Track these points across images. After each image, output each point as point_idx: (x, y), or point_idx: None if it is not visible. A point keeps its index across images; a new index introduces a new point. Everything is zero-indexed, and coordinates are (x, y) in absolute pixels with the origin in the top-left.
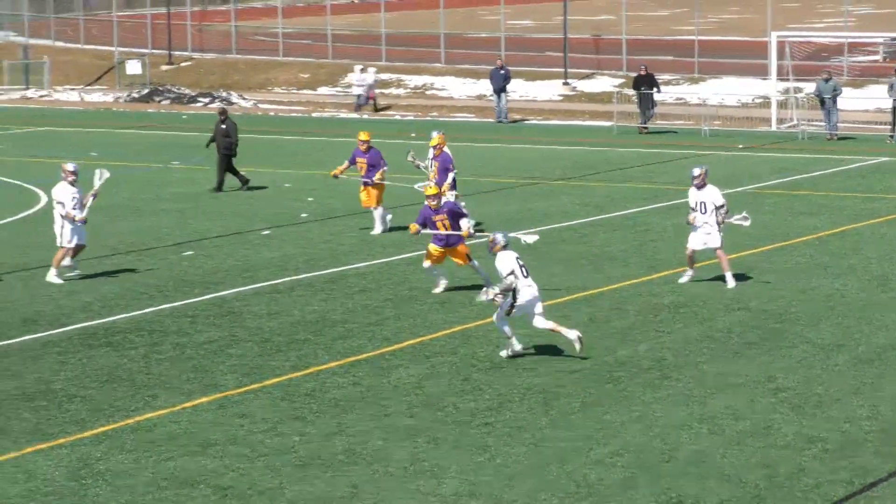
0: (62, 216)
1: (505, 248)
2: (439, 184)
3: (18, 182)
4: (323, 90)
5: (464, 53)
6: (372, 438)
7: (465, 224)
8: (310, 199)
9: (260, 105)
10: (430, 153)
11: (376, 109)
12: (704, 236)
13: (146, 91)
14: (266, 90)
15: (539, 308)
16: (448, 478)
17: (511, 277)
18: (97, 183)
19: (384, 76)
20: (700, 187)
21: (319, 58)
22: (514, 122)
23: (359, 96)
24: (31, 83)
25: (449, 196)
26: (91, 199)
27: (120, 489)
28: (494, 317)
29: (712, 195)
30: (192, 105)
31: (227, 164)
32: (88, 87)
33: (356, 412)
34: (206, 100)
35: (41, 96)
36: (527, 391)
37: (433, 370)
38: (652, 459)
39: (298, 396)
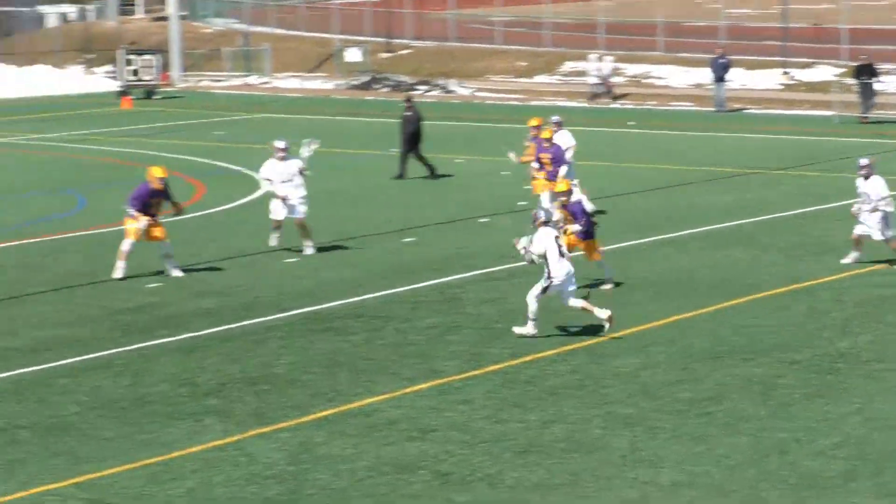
0: (271, 192)
1: (546, 224)
2: (552, 177)
3: (238, 168)
4: (540, 78)
5: (682, 42)
6: (590, 427)
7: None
8: (527, 187)
9: (477, 93)
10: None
11: (614, 98)
12: (867, 226)
13: (365, 79)
14: (483, 78)
15: (572, 287)
16: (666, 467)
17: (534, 256)
18: (305, 153)
19: (583, 65)
20: (867, 177)
21: (536, 46)
22: (733, 111)
23: (594, 85)
24: (252, 70)
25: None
26: (301, 169)
27: (340, 473)
28: (529, 294)
29: (876, 186)
30: (411, 93)
31: (412, 152)
32: (308, 75)
33: (574, 400)
34: (424, 88)
35: (262, 83)
36: (746, 381)
37: (650, 359)
38: (874, 452)
39: (518, 384)
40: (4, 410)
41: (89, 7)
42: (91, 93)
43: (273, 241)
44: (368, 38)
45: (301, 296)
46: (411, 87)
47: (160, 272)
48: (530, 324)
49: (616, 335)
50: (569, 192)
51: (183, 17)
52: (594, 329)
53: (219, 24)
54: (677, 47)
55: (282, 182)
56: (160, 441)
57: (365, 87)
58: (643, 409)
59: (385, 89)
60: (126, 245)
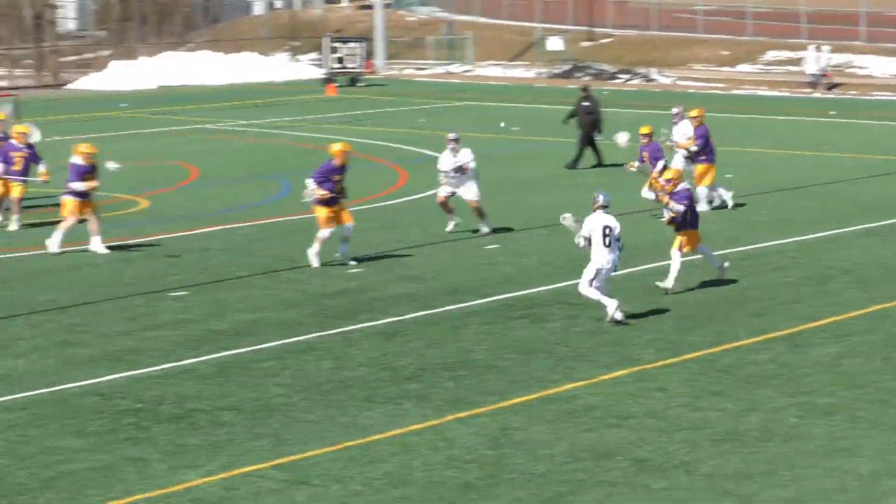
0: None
1: (604, 208)
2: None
3: (438, 155)
4: (742, 67)
5: (885, 32)
6: (787, 416)
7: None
8: (728, 175)
9: (679, 82)
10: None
11: (829, 88)
12: None
13: (567, 67)
14: (685, 67)
15: (604, 277)
16: (866, 457)
17: (581, 240)
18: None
19: (801, 54)
20: None
21: (738, 35)
22: None
23: (813, 75)
24: (455, 58)
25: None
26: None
27: (539, 458)
28: (581, 287)
29: None
30: (612, 81)
31: (588, 141)
32: (510, 63)
33: (772, 389)
34: (626, 76)
35: (464, 71)
36: None
37: (851, 348)
38: None
39: (715, 371)
40: (209, 392)
41: None
42: (296, 80)
43: (449, 226)
44: (570, 27)
45: (500, 282)
46: (612, 76)
47: (355, 259)
48: (610, 305)
49: (817, 323)
50: (676, 180)
51: (387, 6)
52: (795, 318)
53: (423, 12)
54: (880, 37)
55: (454, 172)
56: (360, 424)
57: (566, 75)
58: (843, 399)
59: (586, 77)
60: (324, 233)
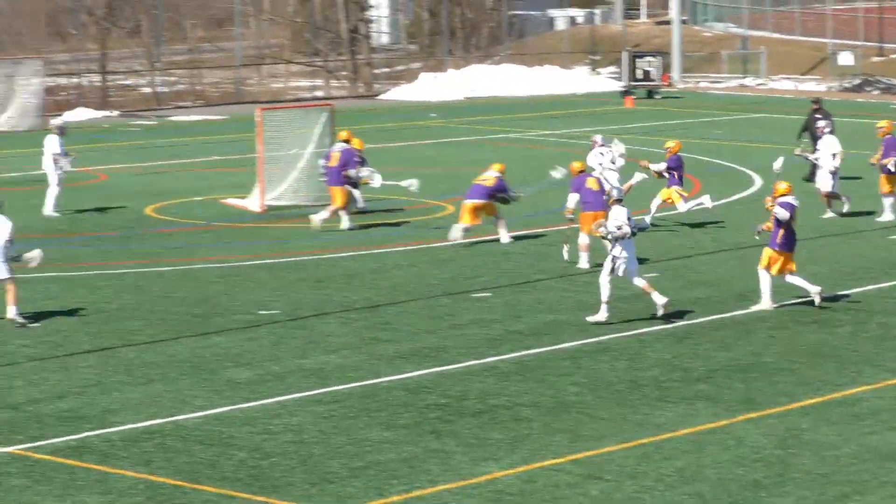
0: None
1: (618, 202)
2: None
3: (734, 165)
4: None
5: None
6: None
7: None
8: None
9: None
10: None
11: None
12: None
13: (857, 82)
14: None
15: (635, 265)
16: None
17: (614, 232)
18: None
19: None
20: None
21: None
22: None
23: None
24: (748, 72)
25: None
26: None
27: (825, 459)
28: (601, 277)
29: None
30: None
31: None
32: (802, 77)
33: None
34: None
35: (757, 85)
36: None
37: None
38: None
39: None
40: (509, 389)
41: (596, 11)
42: (595, 92)
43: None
44: (860, 43)
45: (789, 288)
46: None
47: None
48: (603, 308)
49: None
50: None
51: (684, 22)
52: None
53: (718, 28)
54: None
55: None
56: (652, 422)
57: (856, 89)
58: None
59: (876, 92)
60: (584, 239)
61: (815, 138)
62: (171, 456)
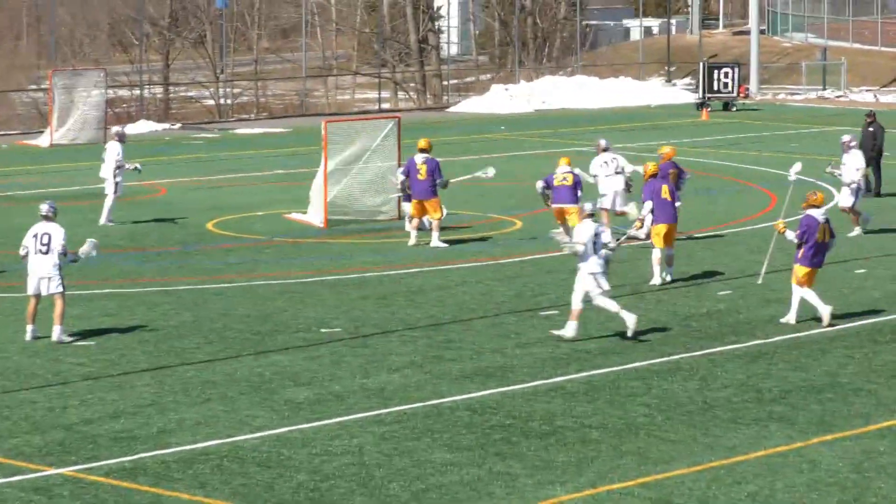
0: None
1: (589, 216)
2: None
3: (810, 179)
4: None
5: None
6: None
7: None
8: None
9: None
10: None
11: None
12: None
13: None
14: None
15: (606, 287)
16: None
17: (578, 247)
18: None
19: None
20: None
21: None
22: None
23: None
24: (828, 84)
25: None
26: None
27: None
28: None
29: None
30: None
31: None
32: (883, 89)
33: None
34: None
35: (837, 97)
36: None
37: None
38: None
39: None
40: (577, 410)
41: (672, 21)
42: (670, 104)
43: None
44: None
45: (866, 305)
46: None
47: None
48: (570, 325)
49: None
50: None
51: (762, 32)
52: None
53: (797, 38)
54: None
55: (606, 176)
56: (724, 445)
57: None
58: None
59: None
60: (657, 253)
61: (866, 151)
62: (227, 478)
